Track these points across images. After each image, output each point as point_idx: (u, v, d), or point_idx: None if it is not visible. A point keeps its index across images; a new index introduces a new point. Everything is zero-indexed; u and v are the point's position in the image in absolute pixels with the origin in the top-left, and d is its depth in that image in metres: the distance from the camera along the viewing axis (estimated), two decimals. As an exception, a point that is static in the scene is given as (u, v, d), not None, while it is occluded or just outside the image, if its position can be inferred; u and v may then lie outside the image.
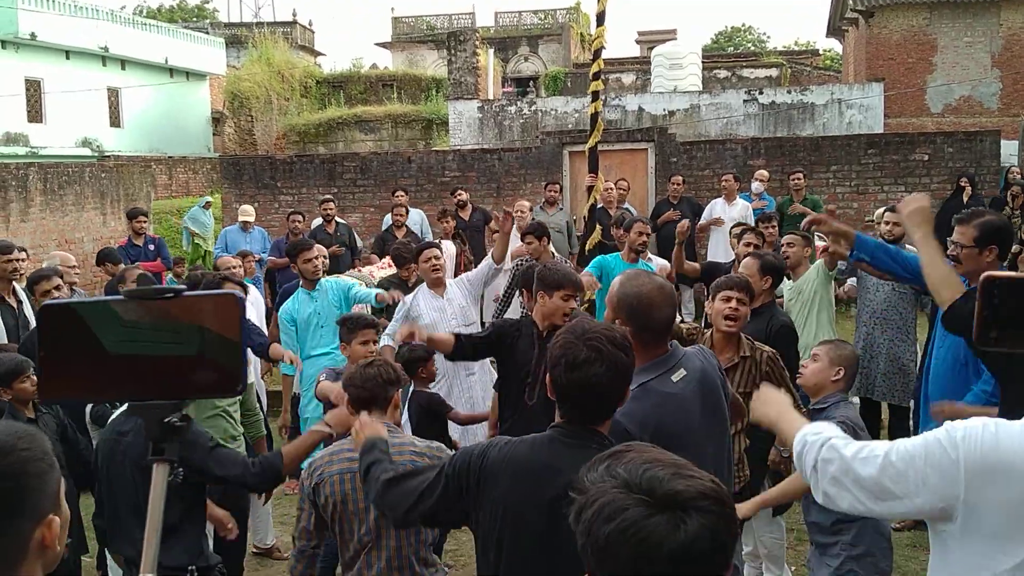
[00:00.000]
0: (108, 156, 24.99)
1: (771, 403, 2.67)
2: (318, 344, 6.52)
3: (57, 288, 6.10)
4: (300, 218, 10.96)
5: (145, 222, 11.12)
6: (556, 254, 7.99)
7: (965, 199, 11.75)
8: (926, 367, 4.81)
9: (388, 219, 11.42)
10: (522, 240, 7.62)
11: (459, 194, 11.63)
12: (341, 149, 25.05)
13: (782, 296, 6.40)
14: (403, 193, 11.53)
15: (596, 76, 9.09)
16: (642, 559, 1.31)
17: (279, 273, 9.95)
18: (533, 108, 19.44)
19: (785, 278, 6.47)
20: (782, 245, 6.91)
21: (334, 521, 3.40)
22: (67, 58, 27.00)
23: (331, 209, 11.04)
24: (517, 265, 7.39)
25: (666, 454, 1.44)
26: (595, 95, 9.11)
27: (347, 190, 14.42)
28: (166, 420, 1.72)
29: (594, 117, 9.08)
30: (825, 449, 2.18)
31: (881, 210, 7.35)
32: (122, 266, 8.42)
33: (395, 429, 3.49)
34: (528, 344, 4.64)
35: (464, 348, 4.78)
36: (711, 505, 1.34)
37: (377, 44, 39.67)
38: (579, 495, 1.42)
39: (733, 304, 4.40)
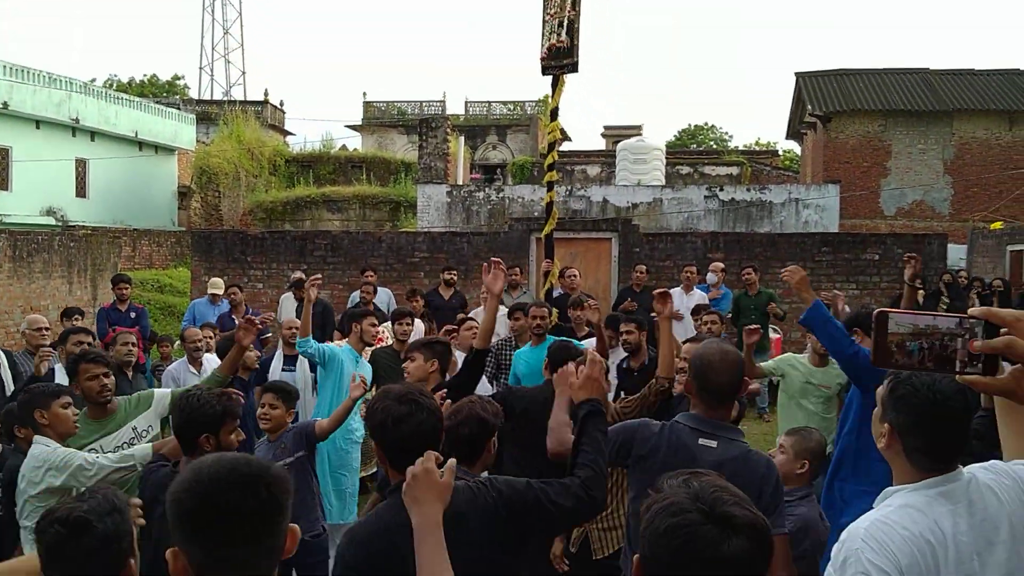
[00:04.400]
0: (73, 226, 24.93)
1: None
2: None
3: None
4: (237, 290, 11.11)
5: (127, 288, 11.20)
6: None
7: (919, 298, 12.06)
8: (835, 455, 4.94)
9: (355, 296, 11.56)
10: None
11: (450, 273, 11.68)
12: (308, 227, 25.27)
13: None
14: (372, 273, 11.69)
15: (551, 167, 9.59)
16: (686, 555, 1.58)
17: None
18: (501, 195, 19.87)
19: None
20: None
21: None
22: (37, 127, 27.02)
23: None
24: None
25: (733, 488, 1.70)
26: (550, 185, 9.63)
27: (317, 267, 14.52)
28: None
29: (549, 206, 9.61)
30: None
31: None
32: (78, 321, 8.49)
33: None
34: None
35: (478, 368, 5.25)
36: (755, 535, 1.60)
37: (348, 126, 40.00)
38: (656, 492, 1.70)
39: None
